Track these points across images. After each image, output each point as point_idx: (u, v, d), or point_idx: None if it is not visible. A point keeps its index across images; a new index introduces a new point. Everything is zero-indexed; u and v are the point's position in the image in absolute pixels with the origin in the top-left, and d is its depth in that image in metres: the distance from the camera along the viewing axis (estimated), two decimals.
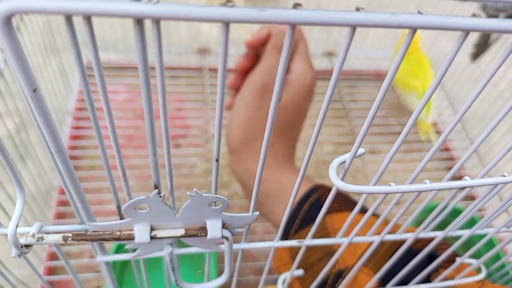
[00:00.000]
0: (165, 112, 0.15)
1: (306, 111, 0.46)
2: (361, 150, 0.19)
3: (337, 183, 0.19)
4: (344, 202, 0.38)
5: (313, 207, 0.37)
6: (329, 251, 0.34)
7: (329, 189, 0.39)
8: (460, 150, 0.75)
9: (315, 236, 0.35)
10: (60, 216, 0.58)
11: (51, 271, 0.53)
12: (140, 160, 0.64)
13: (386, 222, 0.33)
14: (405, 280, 0.28)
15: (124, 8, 0.11)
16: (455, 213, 0.55)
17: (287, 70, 0.43)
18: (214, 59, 0.78)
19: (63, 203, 0.58)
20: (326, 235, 0.35)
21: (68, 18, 0.12)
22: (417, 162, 0.72)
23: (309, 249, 0.35)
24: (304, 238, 0.36)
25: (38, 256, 0.53)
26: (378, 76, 0.84)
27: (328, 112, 0.65)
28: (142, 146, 0.66)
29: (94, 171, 0.62)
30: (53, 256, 0.54)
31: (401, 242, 0.26)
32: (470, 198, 0.68)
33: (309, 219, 0.36)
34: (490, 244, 0.55)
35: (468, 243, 0.54)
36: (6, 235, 0.20)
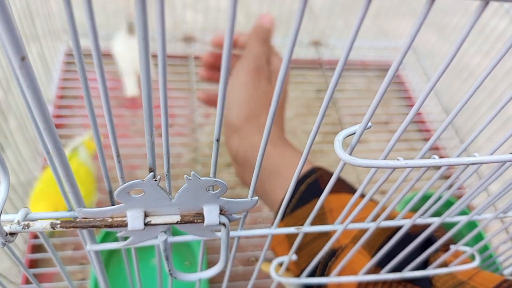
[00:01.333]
0: (165, 82, 0.14)
1: (285, 96, 0.50)
2: (369, 124, 0.19)
3: (344, 157, 0.18)
4: (341, 185, 0.38)
5: (310, 188, 0.37)
6: (323, 223, 0.34)
7: (327, 172, 0.39)
8: (445, 140, 0.75)
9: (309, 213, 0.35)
10: None
11: (32, 264, 0.52)
12: (124, 150, 0.62)
13: (383, 208, 0.33)
14: (402, 263, 0.28)
15: None
16: (448, 204, 0.55)
17: (268, 62, 0.48)
18: (200, 47, 0.77)
19: None
20: (322, 215, 0.35)
21: None
22: (405, 152, 0.72)
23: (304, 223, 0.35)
24: (300, 217, 0.36)
25: (18, 249, 0.51)
26: (364, 66, 0.84)
27: (315, 101, 0.65)
28: (126, 135, 0.65)
29: None
30: (34, 249, 0.53)
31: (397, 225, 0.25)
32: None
33: (306, 199, 0.37)
34: (478, 235, 0.56)
35: (461, 232, 0.55)
36: None
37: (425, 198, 0.52)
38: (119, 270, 0.49)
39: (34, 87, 0.13)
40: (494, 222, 0.64)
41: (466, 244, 0.35)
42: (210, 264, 0.52)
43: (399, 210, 0.49)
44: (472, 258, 0.33)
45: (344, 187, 0.38)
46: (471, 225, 0.56)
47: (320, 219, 0.35)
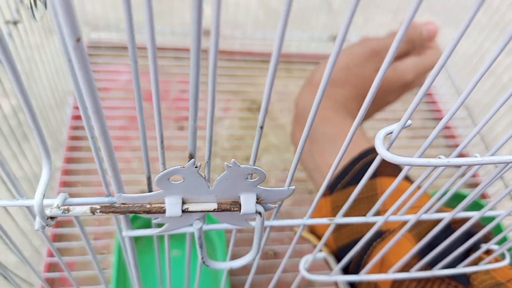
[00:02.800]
0: (214, 68, 0.14)
1: (389, 99, 0.49)
2: (409, 122, 0.19)
3: (384, 154, 0.18)
4: (396, 169, 0.37)
5: (366, 168, 0.36)
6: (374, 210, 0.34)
7: None
8: (464, 137, 0.74)
9: (362, 195, 0.35)
10: None
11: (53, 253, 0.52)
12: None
13: (426, 196, 0.33)
14: (444, 255, 0.28)
15: None
16: (475, 204, 0.55)
17: (400, 57, 0.47)
18: (220, 41, 0.76)
19: (66, 183, 0.57)
20: (373, 196, 0.34)
21: None
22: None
23: (353, 204, 0.34)
24: (350, 194, 0.36)
25: (41, 238, 0.52)
26: None
27: None
28: (146, 127, 0.65)
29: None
30: (55, 238, 0.53)
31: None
32: (474, 185, 0.68)
33: (359, 179, 0.36)
34: (499, 230, 0.55)
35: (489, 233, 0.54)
36: (29, 207, 0.19)
37: (456, 196, 0.52)
38: (141, 260, 0.50)
39: (86, 68, 0.13)
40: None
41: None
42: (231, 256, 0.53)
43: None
44: (502, 256, 0.33)
45: (397, 172, 0.37)
46: (496, 227, 0.55)
47: (370, 201, 0.34)
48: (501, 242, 0.32)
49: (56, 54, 0.63)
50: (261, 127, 0.16)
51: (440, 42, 0.84)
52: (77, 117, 0.64)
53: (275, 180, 0.64)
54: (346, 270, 0.34)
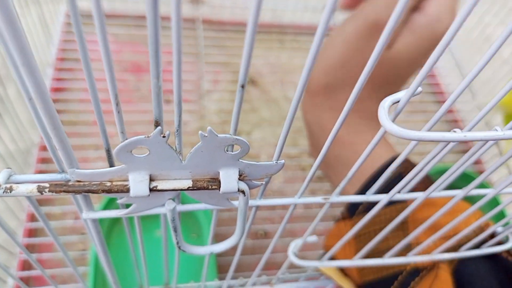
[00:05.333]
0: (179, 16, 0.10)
1: (417, 70, 0.36)
2: (419, 89, 0.16)
3: (388, 126, 0.15)
4: (430, 185, 0.27)
5: (391, 184, 0.27)
6: (404, 236, 0.27)
7: (412, 164, 0.31)
8: (464, 112, 0.71)
9: (390, 217, 0.28)
10: None
11: (31, 233, 0.49)
12: (128, 116, 0.59)
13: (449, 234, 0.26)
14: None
15: None
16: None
17: (415, 8, 0.33)
18: (209, 10, 0.72)
19: (44, 160, 0.54)
20: (404, 224, 0.28)
21: None
22: (422, 123, 0.68)
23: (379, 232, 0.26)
24: (376, 221, 0.29)
25: (17, 218, 0.49)
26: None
27: None
28: (130, 100, 0.62)
29: (77, 126, 0.57)
30: (33, 217, 0.50)
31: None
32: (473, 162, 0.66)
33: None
34: (501, 214, 0.53)
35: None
36: None
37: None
38: (122, 242, 0.47)
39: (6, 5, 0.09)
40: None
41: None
42: (216, 237, 0.50)
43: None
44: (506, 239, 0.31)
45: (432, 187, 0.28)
46: (494, 201, 0.53)
47: (399, 228, 0.28)
48: (504, 226, 0.29)
49: (35, 24, 0.59)
50: (243, 86, 0.13)
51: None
52: (57, 90, 0.60)
53: (266, 157, 0.61)
54: None
